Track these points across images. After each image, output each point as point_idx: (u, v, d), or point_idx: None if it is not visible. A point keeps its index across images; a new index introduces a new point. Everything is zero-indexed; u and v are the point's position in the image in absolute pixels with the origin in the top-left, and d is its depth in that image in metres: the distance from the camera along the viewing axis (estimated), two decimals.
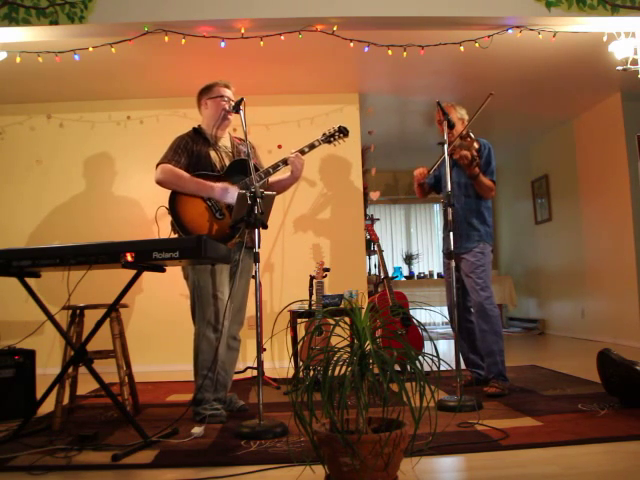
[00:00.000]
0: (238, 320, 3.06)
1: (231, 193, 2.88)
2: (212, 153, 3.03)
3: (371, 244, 5.46)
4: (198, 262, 2.97)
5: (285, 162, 3.05)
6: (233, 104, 2.93)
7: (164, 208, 2.88)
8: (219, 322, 2.83)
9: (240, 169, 2.97)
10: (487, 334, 3.31)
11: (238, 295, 3.03)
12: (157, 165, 2.96)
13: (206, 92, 3.13)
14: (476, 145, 3.32)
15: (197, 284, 2.91)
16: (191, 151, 2.98)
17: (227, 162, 3.05)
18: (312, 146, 3.16)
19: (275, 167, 3.02)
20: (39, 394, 2.63)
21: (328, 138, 3.22)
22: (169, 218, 2.92)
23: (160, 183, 2.92)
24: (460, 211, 3.46)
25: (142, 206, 4.87)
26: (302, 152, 3.10)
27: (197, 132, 3.08)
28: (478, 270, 3.37)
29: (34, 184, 4.97)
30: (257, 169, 2.99)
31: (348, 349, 1.76)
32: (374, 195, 5.64)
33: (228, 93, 3.11)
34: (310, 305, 3.94)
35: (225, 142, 3.15)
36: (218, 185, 2.90)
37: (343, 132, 3.25)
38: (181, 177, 2.89)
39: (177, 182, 2.89)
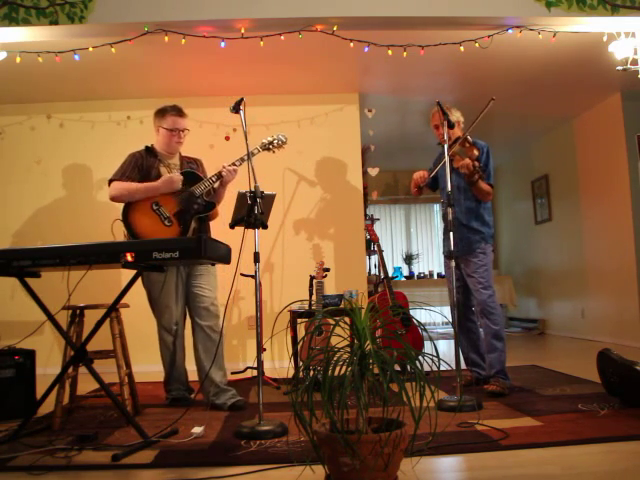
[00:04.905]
0: (213, 314, 3.16)
1: (176, 181, 3.10)
2: (162, 169, 3.24)
3: (371, 244, 5.46)
4: (197, 262, 3.00)
5: (220, 176, 3.19)
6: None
7: (119, 220, 3.07)
8: (173, 325, 3.19)
9: (185, 180, 3.17)
10: (490, 332, 3.33)
11: (205, 292, 3.17)
12: (109, 182, 3.15)
13: (159, 118, 3.29)
14: (475, 152, 3.31)
15: (150, 295, 3.20)
16: (141, 167, 3.19)
17: None
18: (251, 154, 3.17)
19: (210, 181, 3.19)
20: (39, 394, 2.63)
21: (267, 146, 3.34)
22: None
23: (113, 199, 3.13)
24: (460, 215, 3.46)
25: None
26: (242, 160, 3.21)
27: (149, 150, 3.28)
28: (481, 270, 3.38)
29: (34, 184, 4.97)
30: (199, 176, 3.23)
31: (348, 349, 1.76)
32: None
33: (180, 123, 3.26)
34: (310, 305, 3.95)
35: (175, 160, 3.34)
36: (159, 181, 3.10)
37: (281, 139, 3.36)
38: (130, 188, 3.09)
39: (128, 194, 3.09)
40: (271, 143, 3.32)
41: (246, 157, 3.17)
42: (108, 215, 4.85)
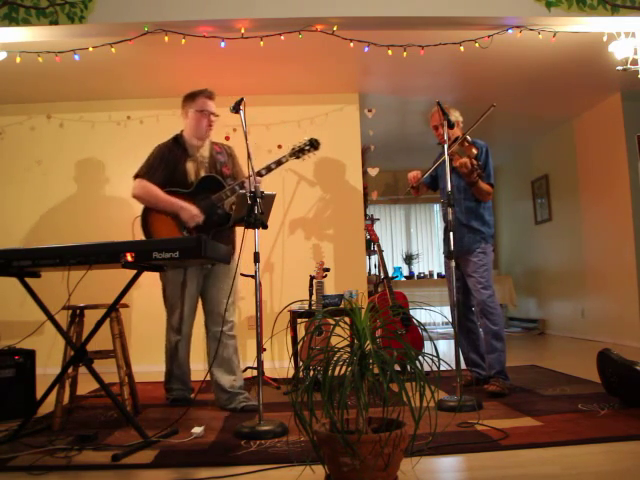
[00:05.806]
0: (227, 319, 3.10)
1: (197, 217, 3.03)
2: (188, 164, 3.16)
3: (371, 244, 5.46)
4: (197, 263, 3.00)
5: (242, 186, 3.08)
6: (215, 116, 3.08)
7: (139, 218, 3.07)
8: (177, 324, 3.15)
9: (208, 186, 3.10)
10: (489, 332, 3.33)
11: (220, 297, 3.10)
12: (135, 176, 3.11)
13: (189, 102, 3.21)
14: (474, 151, 3.31)
15: (165, 292, 3.15)
16: (167, 163, 3.12)
17: (202, 174, 3.16)
18: (279, 162, 3.13)
19: (233, 191, 3.08)
20: (39, 394, 2.63)
21: (297, 153, 3.16)
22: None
23: (136, 198, 3.12)
24: (460, 214, 3.46)
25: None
26: (269, 169, 3.10)
27: (177, 141, 3.19)
28: (481, 270, 3.38)
29: (34, 184, 4.97)
30: (222, 184, 3.10)
31: (348, 349, 1.76)
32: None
33: (211, 106, 3.18)
34: (310, 305, 3.95)
35: (204, 152, 3.23)
36: (182, 208, 3.03)
37: (314, 145, 3.15)
38: (155, 196, 3.07)
39: (152, 200, 3.08)
40: (302, 150, 3.13)
41: (273, 165, 3.13)
42: (108, 215, 4.88)
